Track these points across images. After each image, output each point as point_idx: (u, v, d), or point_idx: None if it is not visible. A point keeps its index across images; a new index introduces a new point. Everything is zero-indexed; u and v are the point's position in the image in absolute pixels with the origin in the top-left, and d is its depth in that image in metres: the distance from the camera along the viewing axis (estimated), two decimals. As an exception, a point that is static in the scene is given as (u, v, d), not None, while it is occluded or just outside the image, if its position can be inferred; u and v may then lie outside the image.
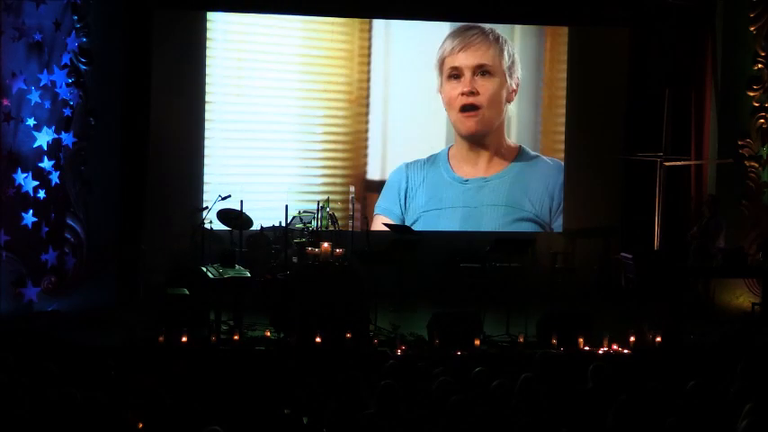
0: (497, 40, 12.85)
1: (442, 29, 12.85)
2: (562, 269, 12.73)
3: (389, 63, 12.83)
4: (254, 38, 12.55)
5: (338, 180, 12.76)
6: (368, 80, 12.77)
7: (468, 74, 12.76)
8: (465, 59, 12.77)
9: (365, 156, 12.84)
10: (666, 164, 12.14)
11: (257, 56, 12.54)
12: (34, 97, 10.35)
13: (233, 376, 8.16)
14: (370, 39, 12.77)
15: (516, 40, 13.04)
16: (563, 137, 13.17)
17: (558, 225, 13.13)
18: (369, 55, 12.76)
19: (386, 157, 12.90)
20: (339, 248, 10.38)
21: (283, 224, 11.16)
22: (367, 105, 12.80)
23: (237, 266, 10.14)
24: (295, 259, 10.92)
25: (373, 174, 12.90)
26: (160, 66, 11.95)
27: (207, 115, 12.39)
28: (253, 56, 12.54)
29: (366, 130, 12.81)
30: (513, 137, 13.08)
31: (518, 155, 13.02)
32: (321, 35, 12.67)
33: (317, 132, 12.72)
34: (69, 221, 10.69)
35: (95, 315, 10.39)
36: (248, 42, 12.53)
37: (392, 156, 12.90)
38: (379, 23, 12.77)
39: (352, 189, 12.54)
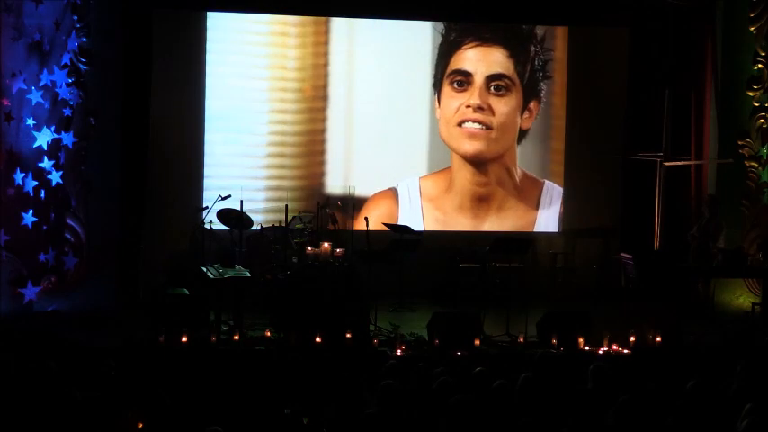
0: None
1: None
2: (562, 269, 12.73)
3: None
4: (254, 38, 12.53)
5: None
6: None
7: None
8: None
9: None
10: (666, 164, 12.14)
11: (257, 56, 12.52)
12: (34, 97, 10.35)
13: (233, 376, 8.17)
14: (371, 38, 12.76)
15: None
16: (563, 137, 13.15)
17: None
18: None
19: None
20: (339, 248, 10.39)
21: (283, 224, 11.17)
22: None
23: (237, 266, 10.14)
24: (295, 259, 10.92)
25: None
26: (160, 66, 11.96)
27: (207, 115, 12.38)
28: (252, 56, 12.52)
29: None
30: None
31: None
32: (320, 34, 12.67)
33: (315, 132, 12.72)
34: (69, 221, 10.69)
35: (95, 315, 10.38)
36: (248, 42, 12.51)
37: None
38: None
39: (353, 188, 12.52)
